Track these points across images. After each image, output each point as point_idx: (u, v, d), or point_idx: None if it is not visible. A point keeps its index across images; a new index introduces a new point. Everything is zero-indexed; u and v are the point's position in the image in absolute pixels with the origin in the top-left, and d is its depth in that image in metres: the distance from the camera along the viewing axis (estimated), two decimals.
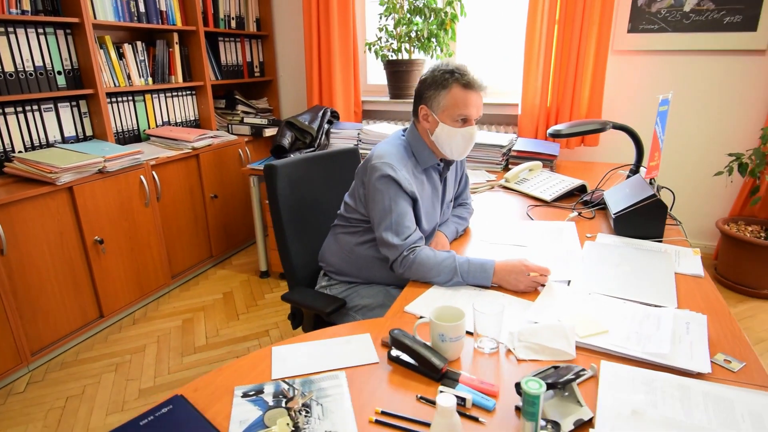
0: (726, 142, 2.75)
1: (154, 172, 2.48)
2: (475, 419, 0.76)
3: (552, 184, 2.00)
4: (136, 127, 2.78)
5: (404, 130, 1.41)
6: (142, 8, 2.67)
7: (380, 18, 3.19)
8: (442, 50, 3.13)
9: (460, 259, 1.20)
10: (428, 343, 0.90)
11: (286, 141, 2.61)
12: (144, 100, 2.80)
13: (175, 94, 3.01)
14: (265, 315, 2.45)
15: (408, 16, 3.13)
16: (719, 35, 2.60)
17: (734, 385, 0.81)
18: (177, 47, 2.91)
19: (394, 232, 1.24)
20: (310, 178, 1.60)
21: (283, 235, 1.49)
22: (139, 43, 2.72)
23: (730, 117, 2.70)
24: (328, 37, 3.18)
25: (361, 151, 2.42)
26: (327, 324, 1.46)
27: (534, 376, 0.76)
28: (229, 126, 3.30)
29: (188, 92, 3.09)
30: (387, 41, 3.25)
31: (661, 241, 1.46)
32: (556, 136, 1.78)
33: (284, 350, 0.95)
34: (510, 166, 2.36)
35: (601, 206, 1.75)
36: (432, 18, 3.02)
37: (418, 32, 3.08)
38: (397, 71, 3.29)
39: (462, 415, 0.76)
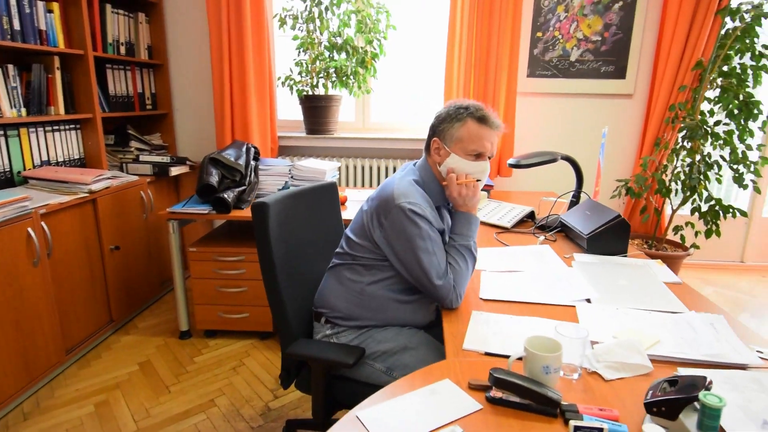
0: (612, 170, 3.28)
1: (43, 223, 2.02)
2: None
3: (504, 212, 2.14)
4: (8, 168, 2.24)
5: (414, 164, 1.39)
6: (16, 25, 2.22)
7: (299, 52, 3.15)
8: (359, 87, 3.19)
9: (460, 241, 1.28)
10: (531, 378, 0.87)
11: (214, 179, 2.36)
12: (18, 135, 2.29)
13: (56, 128, 2.52)
14: (203, 382, 2.11)
15: (325, 53, 3.15)
16: (599, 81, 3.14)
17: None
18: (58, 73, 2.46)
19: (439, 275, 1.22)
20: (295, 217, 1.46)
21: (276, 281, 1.32)
22: (10, 66, 2.24)
23: (612, 149, 3.25)
24: (243, 69, 3.02)
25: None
26: (337, 379, 1.33)
27: (654, 393, 0.79)
28: (123, 165, 2.87)
29: (72, 126, 2.62)
30: (304, 76, 3.21)
31: (626, 256, 1.66)
32: (516, 166, 1.93)
33: (373, 414, 0.83)
34: None
35: (558, 229, 1.93)
36: (354, 56, 3.09)
37: (339, 69, 3.11)
38: (314, 106, 3.26)
39: None
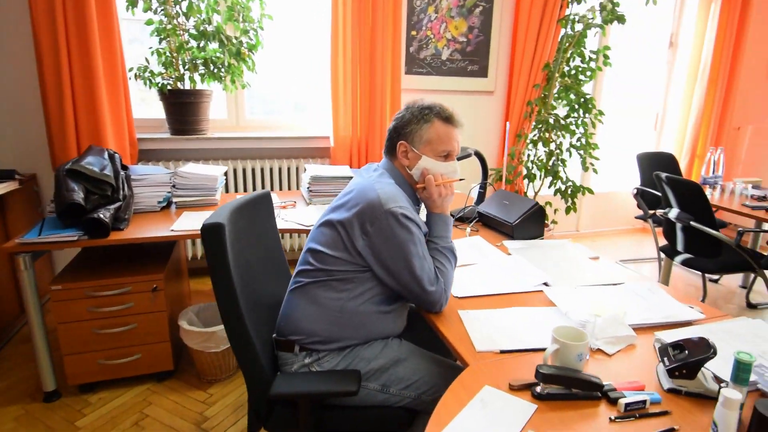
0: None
1: None
2: (666, 413, 0.84)
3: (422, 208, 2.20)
4: None
5: (377, 167, 1.33)
6: None
7: (159, 41, 2.72)
8: (233, 81, 2.92)
9: (442, 243, 1.28)
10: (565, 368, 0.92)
11: (80, 196, 1.89)
12: None
13: None
14: None
15: (190, 41, 2.79)
16: (467, 79, 3.44)
17: (721, 320, 1.18)
18: None
19: (431, 281, 1.19)
20: (243, 235, 1.27)
21: (240, 314, 1.13)
22: None
23: (480, 140, 3.60)
24: (89, 59, 2.49)
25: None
26: (326, 409, 1.21)
27: (670, 359, 0.91)
28: None
29: None
30: (166, 69, 2.80)
31: (543, 238, 1.87)
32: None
33: None
34: None
35: (476, 219, 2.07)
36: (228, 46, 2.80)
37: (212, 60, 2.79)
38: (180, 103, 2.88)
39: (650, 415, 0.84)
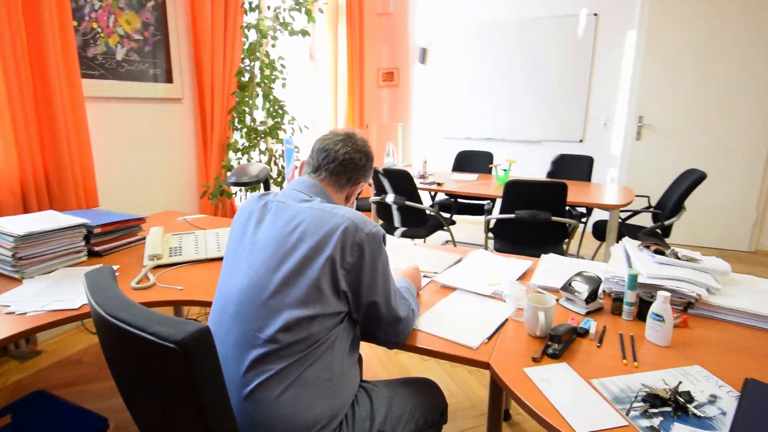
0: (185, 173, 3.24)
1: None
2: (602, 329, 1.22)
3: (211, 240, 1.87)
4: None
5: (308, 200, 1.11)
6: None
7: None
8: None
9: (406, 287, 1.31)
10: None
11: None
12: None
13: None
14: None
15: None
16: (151, 85, 2.95)
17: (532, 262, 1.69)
18: None
19: (402, 309, 1.15)
20: None
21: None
22: None
23: (173, 153, 3.19)
24: None
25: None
26: None
27: (574, 294, 1.30)
28: None
29: None
30: None
31: None
32: (241, 184, 1.74)
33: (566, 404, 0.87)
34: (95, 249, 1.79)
35: None
36: None
37: None
38: None
39: (603, 333, 1.20)
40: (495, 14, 4.48)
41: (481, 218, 4.04)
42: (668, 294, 1.14)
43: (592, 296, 1.31)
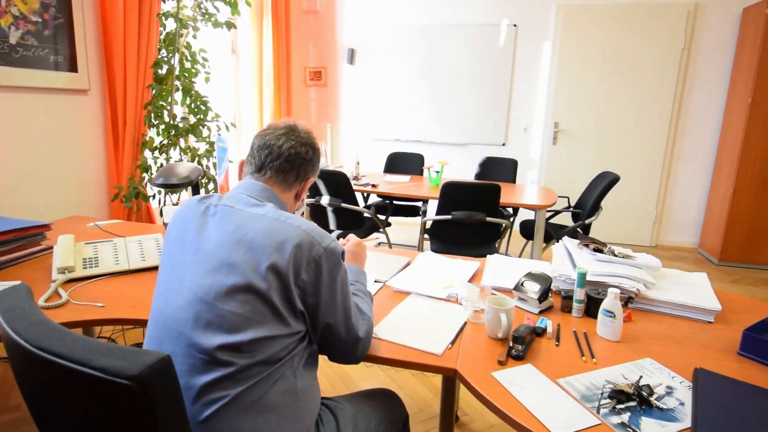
0: (85, 173, 2.89)
1: None
2: (556, 327, 1.25)
3: (134, 248, 1.66)
4: None
5: (257, 204, 0.99)
6: None
7: None
8: None
9: (360, 287, 1.21)
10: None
11: None
12: None
13: None
14: None
15: None
16: (52, 74, 2.59)
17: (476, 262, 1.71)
18: None
19: (361, 326, 1.07)
20: None
21: None
22: None
23: (78, 151, 2.84)
24: None
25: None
26: None
27: (527, 294, 1.33)
28: None
29: None
30: None
31: None
32: (166, 186, 1.56)
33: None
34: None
35: None
36: None
37: None
38: None
39: (558, 330, 1.22)
40: (421, 19, 4.56)
41: (414, 219, 4.08)
42: (618, 291, 1.19)
43: (544, 295, 1.34)
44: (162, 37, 3.07)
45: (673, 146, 4.25)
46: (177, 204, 3.14)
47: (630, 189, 4.34)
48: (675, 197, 4.37)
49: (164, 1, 2.99)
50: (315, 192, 3.03)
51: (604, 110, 4.27)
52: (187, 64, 3.16)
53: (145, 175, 2.98)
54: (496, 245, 2.87)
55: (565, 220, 3.87)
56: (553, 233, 3.09)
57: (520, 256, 3.82)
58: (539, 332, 1.20)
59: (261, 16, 4.32)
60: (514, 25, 4.34)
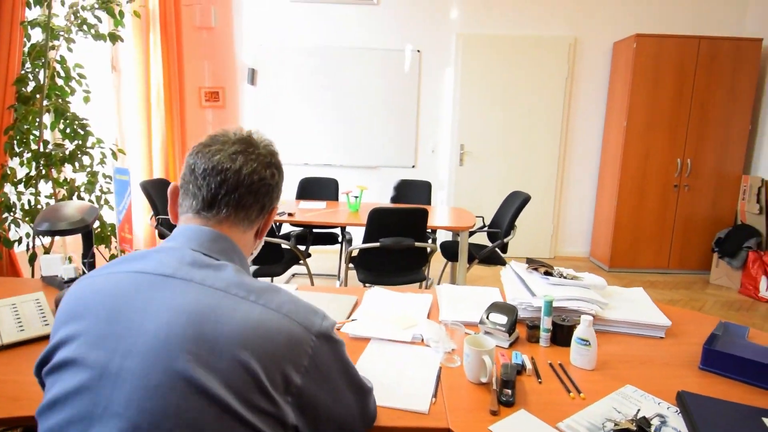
0: None
1: None
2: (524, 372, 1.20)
3: (5, 317, 1.30)
4: None
5: (210, 266, 0.72)
6: None
7: None
8: None
9: None
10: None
11: None
12: None
13: None
14: None
15: None
16: None
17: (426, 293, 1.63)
18: None
19: (372, 404, 0.88)
20: None
21: None
22: None
23: None
24: None
25: None
26: None
27: (493, 326, 1.27)
28: None
29: None
30: None
31: None
32: (53, 233, 1.24)
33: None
34: None
35: None
36: None
37: None
38: None
39: (534, 364, 1.17)
40: (327, 40, 4.49)
41: (332, 247, 3.91)
42: (591, 317, 1.18)
43: (513, 327, 1.28)
44: (26, 49, 2.59)
45: (564, 166, 4.66)
46: (49, 250, 2.62)
47: (530, 206, 4.64)
48: (568, 212, 4.77)
49: (30, 7, 2.53)
50: None
51: (504, 133, 4.55)
52: (60, 82, 2.71)
53: (7, 215, 2.44)
54: (423, 270, 2.84)
55: (480, 239, 4.00)
56: (474, 253, 3.15)
57: (440, 278, 3.86)
58: (519, 370, 1.14)
59: (147, 30, 3.90)
60: (418, 51, 4.46)
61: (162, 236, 3.07)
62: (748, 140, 4.18)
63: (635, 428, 0.90)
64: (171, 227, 3.21)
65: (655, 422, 0.94)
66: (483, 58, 4.43)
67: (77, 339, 0.66)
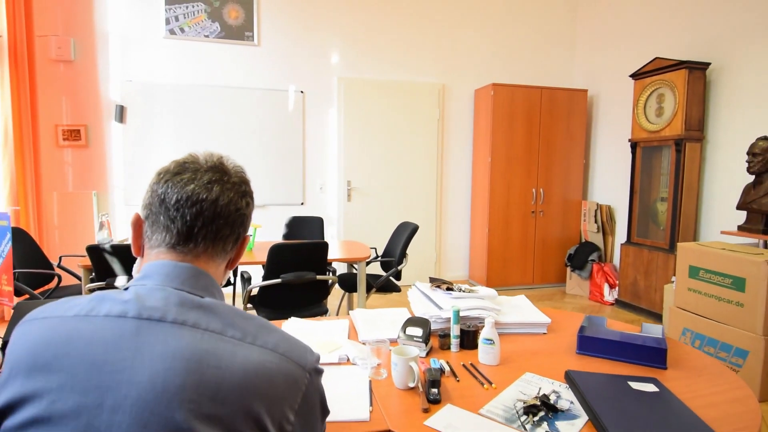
0: None
1: None
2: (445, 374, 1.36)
3: None
4: None
5: (184, 304, 0.68)
6: None
7: None
8: None
9: None
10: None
11: None
12: None
13: None
14: None
15: None
16: None
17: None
18: None
19: None
20: None
21: None
22: None
23: None
24: None
25: None
26: None
27: (412, 340, 1.42)
28: None
29: None
30: None
31: None
32: None
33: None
34: None
35: None
36: None
37: None
38: None
39: (450, 369, 1.34)
40: (204, 79, 4.43)
41: (225, 290, 3.76)
42: (493, 320, 1.39)
43: (428, 337, 1.44)
44: None
45: (441, 198, 5.14)
46: None
47: (416, 237, 5.00)
48: (447, 241, 5.24)
49: None
50: (104, 272, 2.52)
51: (387, 170, 4.89)
52: None
53: None
54: (324, 303, 2.90)
55: (374, 269, 4.19)
56: (371, 282, 3.30)
57: (338, 309, 3.93)
58: (441, 372, 1.28)
59: None
60: (302, 92, 4.64)
61: (18, 292, 2.69)
62: (584, 171, 5.09)
63: (539, 403, 1.10)
64: (29, 282, 2.83)
65: (553, 397, 1.15)
66: (364, 100, 4.76)
67: (49, 394, 0.60)
